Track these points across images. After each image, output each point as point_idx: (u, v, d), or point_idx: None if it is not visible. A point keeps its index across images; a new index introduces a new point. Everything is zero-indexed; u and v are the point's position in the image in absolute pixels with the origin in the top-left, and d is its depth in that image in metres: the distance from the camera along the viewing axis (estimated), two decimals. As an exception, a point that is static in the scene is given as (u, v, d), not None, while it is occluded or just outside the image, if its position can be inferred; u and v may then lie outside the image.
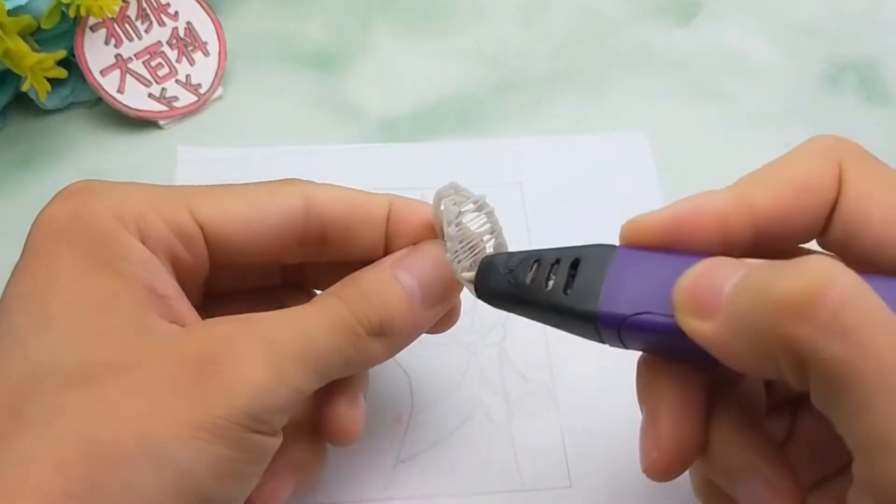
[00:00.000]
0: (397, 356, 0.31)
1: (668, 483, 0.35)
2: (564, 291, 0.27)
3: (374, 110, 0.47)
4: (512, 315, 0.31)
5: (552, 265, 0.28)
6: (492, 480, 0.35)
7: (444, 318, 0.32)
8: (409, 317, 0.30)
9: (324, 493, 0.35)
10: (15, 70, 0.42)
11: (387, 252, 0.32)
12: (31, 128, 0.46)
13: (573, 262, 0.28)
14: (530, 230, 0.43)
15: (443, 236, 0.30)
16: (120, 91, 0.45)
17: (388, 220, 0.31)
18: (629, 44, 0.52)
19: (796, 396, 0.30)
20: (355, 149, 0.45)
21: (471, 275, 0.30)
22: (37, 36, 0.43)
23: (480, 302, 0.30)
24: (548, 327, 0.38)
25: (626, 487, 0.35)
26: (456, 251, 0.30)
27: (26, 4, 0.41)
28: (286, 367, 0.28)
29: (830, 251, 0.28)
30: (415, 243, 0.32)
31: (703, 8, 0.53)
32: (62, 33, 0.44)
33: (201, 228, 0.30)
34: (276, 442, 0.29)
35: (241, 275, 0.33)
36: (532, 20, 0.53)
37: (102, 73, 0.45)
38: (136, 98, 0.45)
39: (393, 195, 0.32)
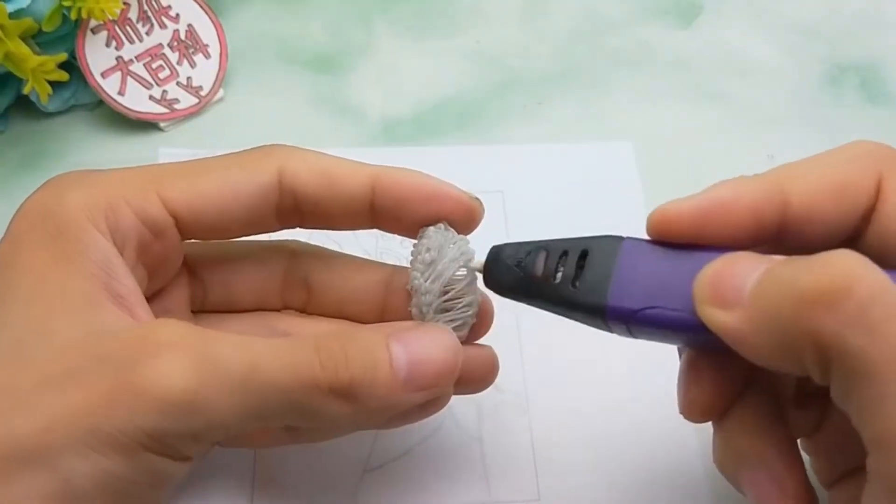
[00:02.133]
0: None
1: (636, 499, 0.34)
2: (573, 284, 0.28)
3: (375, 111, 0.48)
4: None
5: (560, 257, 0.28)
6: (460, 492, 0.35)
7: (426, 404, 0.29)
8: (384, 392, 0.27)
9: (290, 501, 0.34)
10: (16, 73, 0.42)
11: (375, 225, 0.31)
12: (32, 130, 0.46)
13: (581, 253, 0.28)
14: (511, 239, 0.42)
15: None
16: (121, 93, 0.45)
17: (374, 192, 0.30)
18: (630, 45, 0.51)
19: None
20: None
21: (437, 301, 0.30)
22: (38, 38, 0.43)
23: None
24: (523, 337, 0.39)
25: (595, 502, 0.35)
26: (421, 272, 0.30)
27: (28, 7, 0.41)
28: (214, 393, 0.25)
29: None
30: (400, 217, 0.30)
31: (703, 10, 0.53)
32: (63, 36, 0.44)
33: (173, 213, 0.29)
34: (179, 468, 0.26)
35: (231, 295, 0.33)
36: (533, 20, 0.52)
37: (103, 75, 0.45)
38: (137, 100, 0.45)
39: (383, 166, 0.30)
